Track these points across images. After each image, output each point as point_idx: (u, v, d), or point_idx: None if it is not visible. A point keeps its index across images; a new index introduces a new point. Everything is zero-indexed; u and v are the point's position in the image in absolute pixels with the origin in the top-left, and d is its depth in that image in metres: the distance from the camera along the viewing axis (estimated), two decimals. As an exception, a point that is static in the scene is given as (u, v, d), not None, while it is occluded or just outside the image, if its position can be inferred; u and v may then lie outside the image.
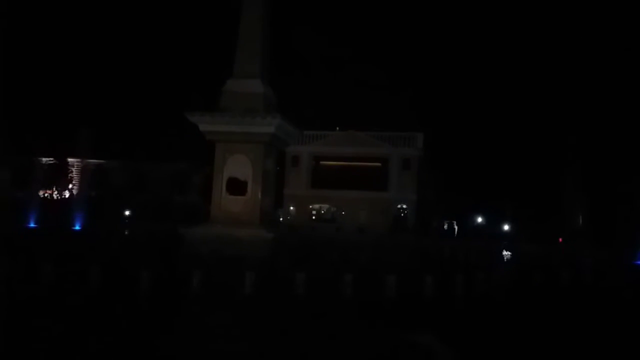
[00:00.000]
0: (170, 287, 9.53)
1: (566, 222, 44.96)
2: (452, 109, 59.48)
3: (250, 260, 11.96)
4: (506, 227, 48.59)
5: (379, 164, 52.36)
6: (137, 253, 14.61)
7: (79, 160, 57.82)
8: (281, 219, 48.04)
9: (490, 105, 58.11)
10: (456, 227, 51.08)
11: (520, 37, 66.83)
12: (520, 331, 7.75)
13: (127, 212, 45.97)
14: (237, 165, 14.81)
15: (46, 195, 50.90)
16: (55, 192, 53.26)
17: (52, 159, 55.86)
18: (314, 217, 52.61)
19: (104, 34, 72.62)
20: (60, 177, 54.42)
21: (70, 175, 56.88)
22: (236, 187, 14.73)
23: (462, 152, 52.98)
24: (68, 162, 57.07)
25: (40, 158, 55.31)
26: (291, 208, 52.58)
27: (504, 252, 22.22)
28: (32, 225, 23.87)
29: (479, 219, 53.22)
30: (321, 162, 53.68)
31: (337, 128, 53.45)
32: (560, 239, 38.73)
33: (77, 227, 23.53)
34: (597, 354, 6.77)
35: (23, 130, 54.45)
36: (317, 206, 53.61)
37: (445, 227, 51.37)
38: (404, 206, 51.28)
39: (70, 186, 54.77)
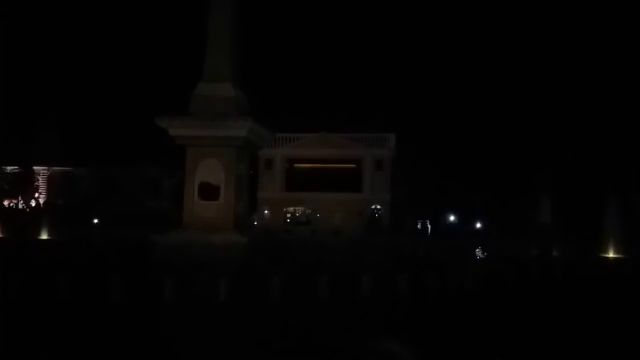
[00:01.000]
0: (142, 296, 9.34)
1: (537, 218, 46.13)
2: (423, 108, 60.27)
3: (225, 265, 11.83)
4: (478, 225, 49.53)
5: (352, 165, 52.69)
6: (107, 261, 14.27)
7: (45, 168, 56.23)
8: (255, 222, 47.76)
9: (461, 103, 59.14)
10: (429, 226, 51.80)
11: (490, 33, 68.15)
12: (491, 325, 7.89)
13: (96, 220, 44.90)
14: (209, 169, 14.65)
15: (11, 204, 49.30)
16: (21, 202, 51.61)
17: (16, 167, 54.12)
18: (288, 220, 52.52)
19: (71, 36, 70.80)
20: (25, 186, 52.77)
21: (36, 183, 55.22)
22: (208, 192, 14.57)
23: (433, 151, 53.77)
24: (34, 170, 55.39)
25: (4, 166, 53.58)
26: (265, 211, 52.36)
27: (477, 250, 22.63)
28: (-4, 235, 23.05)
29: (452, 218, 54.08)
30: (295, 165, 53.66)
31: (310, 130, 53.55)
32: (531, 237, 39.65)
33: (44, 237, 22.84)
34: (568, 345, 6.95)
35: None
36: (291, 209, 53.55)
37: (419, 226, 52.02)
38: (378, 207, 51.72)
39: (36, 195, 53.15)
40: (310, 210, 52.84)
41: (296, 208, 53.68)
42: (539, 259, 18.84)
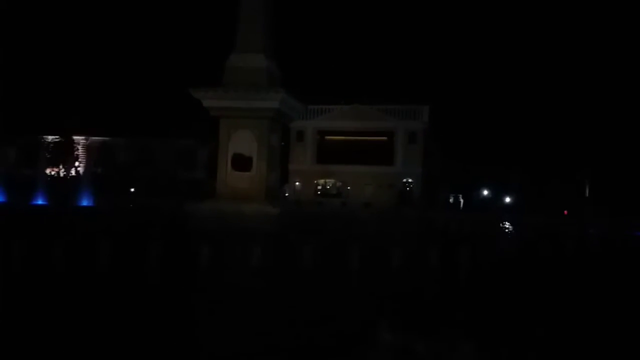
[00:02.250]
0: (177, 262, 9.66)
1: (573, 193, 44.87)
2: (458, 81, 58.75)
3: (257, 235, 12.07)
4: (512, 200, 48.59)
5: (384, 138, 52.10)
6: (144, 229, 14.76)
7: (84, 137, 57.96)
8: (287, 194, 48.23)
9: (497, 77, 57.30)
10: (462, 200, 51.13)
11: (528, 14, 65.29)
12: (521, 300, 7.83)
13: (132, 189, 46.27)
14: (242, 141, 14.79)
15: (53, 173, 51.25)
16: (62, 170, 53.57)
17: (57, 137, 56.00)
18: (319, 192, 52.75)
19: (109, 9, 71.65)
20: (66, 155, 54.64)
21: (76, 153, 57.08)
22: (241, 163, 14.76)
23: (468, 125, 52.66)
24: (74, 140, 57.21)
25: (45, 136, 55.50)
26: (297, 183, 52.71)
27: (508, 225, 22.28)
28: (40, 202, 24.11)
29: (485, 192, 53.17)
30: (326, 137, 53.47)
31: (342, 102, 53.02)
32: (566, 212, 38.74)
33: (85, 204, 23.74)
34: (599, 323, 6.85)
35: (28, 109, 54.51)
36: (322, 181, 53.69)
37: (451, 200, 51.43)
38: (410, 180, 51.24)
39: (76, 164, 55.02)
40: (340, 183, 52.86)
41: (327, 180, 53.78)
42: (574, 234, 18.43)
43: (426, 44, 75.37)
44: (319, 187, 53.71)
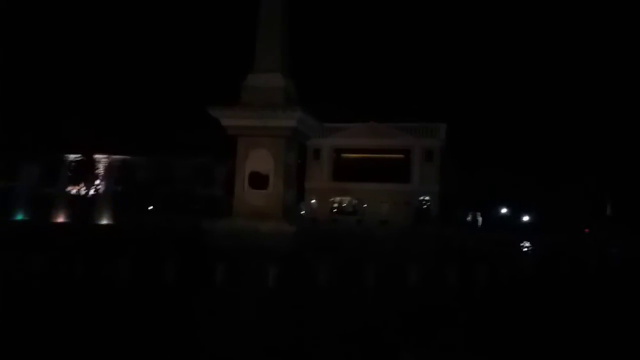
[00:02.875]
0: (194, 280, 9.72)
1: (593, 211, 44.00)
2: (475, 98, 58.58)
3: (273, 253, 12.09)
4: (531, 218, 47.80)
5: (401, 156, 52.02)
6: (162, 246, 14.90)
7: (105, 156, 59.15)
8: (303, 212, 48.27)
9: (514, 94, 57.01)
10: (480, 219, 50.53)
11: (545, 31, 65.21)
12: (540, 322, 7.66)
13: (151, 207, 46.84)
14: (259, 159, 14.92)
15: (74, 191, 52.23)
16: (83, 188, 54.58)
17: (79, 155, 57.24)
18: (335, 210, 52.68)
19: (128, 30, 73.62)
20: (87, 174, 55.74)
21: (97, 171, 58.21)
22: (258, 181, 14.86)
23: (485, 142, 52.32)
24: (95, 159, 58.40)
25: (67, 155, 56.77)
26: (313, 201, 52.76)
27: (527, 244, 21.90)
28: (62, 220, 24.55)
29: (504, 210, 52.48)
30: (342, 155, 53.62)
31: (359, 120, 53.26)
32: (587, 230, 37.97)
33: (105, 222, 24.10)
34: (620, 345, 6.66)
35: (51, 128, 55.92)
36: (338, 199, 53.67)
37: (469, 218, 50.87)
38: (427, 198, 50.91)
39: (97, 182, 56.04)
40: (357, 201, 52.74)
41: (343, 198, 53.75)
42: (596, 253, 18.02)
43: (443, 61, 75.56)
44: (335, 205, 53.66)
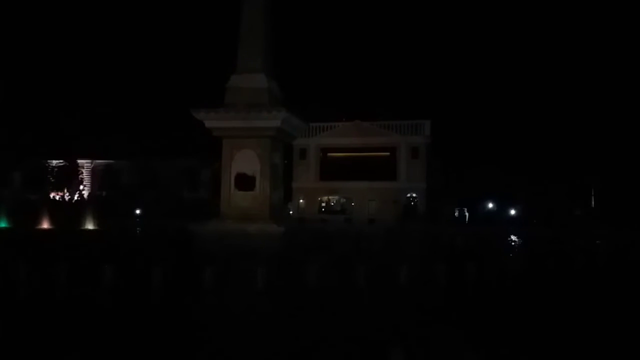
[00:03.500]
0: (183, 283, 9.60)
1: (578, 205, 44.59)
2: (459, 93, 59.00)
3: (262, 254, 12.00)
4: (517, 212, 48.30)
5: (387, 154, 52.15)
6: (149, 250, 14.72)
7: (88, 161, 58.33)
8: (291, 212, 48.13)
9: (497, 87, 57.51)
10: (467, 214, 50.89)
11: (529, 27, 65.88)
12: (531, 317, 7.71)
13: (138, 210, 46.31)
14: (245, 160, 14.82)
15: (57, 197, 51.44)
16: (67, 194, 53.74)
17: (62, 161, 56.35)
18: (323, 209, 52.65)
19: (107, 32, 72.71)
20: (70, 179, 54.90)
21: (80, 176, 57.36)
22: (245, 182, 14.76)
23: (470, 138, 52.67)
24: (78, 164, 57.53)
25: (50, 160, 55.88)
26: (300, 201, 52.65)
27: (514, 238, 22.10)
28: (45, 226, 24.13)
29: (490, 205, 52.93)
30: (329, 154, 53.59)
31: (344, 119, 53.26)
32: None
33: (89, 227, 23.75)
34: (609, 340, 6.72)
35: (32, 133, 54.98)
36: (326, 198, 53.62)
37: (456, 214, 51.19)
38: (414, 195, 51.11)
39: (81, 187, 55.24)
40: (344, 199, 52.77)
41: (331, 197, 53.71)
42: (581, 246, 18.25)
43: (424, 57, 76.00)
44: (323, 204, 53.61)
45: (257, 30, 15.29)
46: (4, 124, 52.65)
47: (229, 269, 10.16)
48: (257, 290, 9.17)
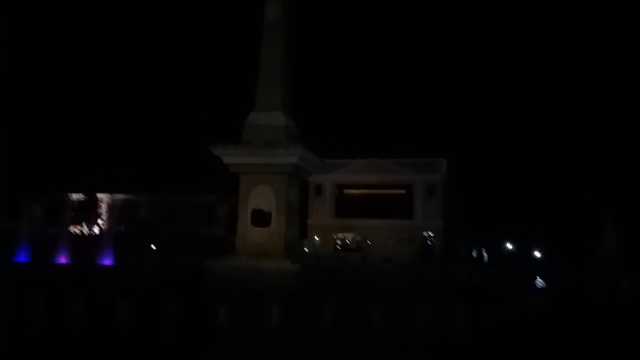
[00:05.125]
0: (196, 322, 9.47)
1: (601, 246, 43.46)
2: (475, 132, 59.02)
3: (277, 292, 11.84)
4: (538, 253, 47.20)
5: (403, 191, 51.96)
6: (164, 286, 14.64)
7: (107, 195, 59.24)
8: (306, 249, 47.80)
9: (515, 127, 57.43)
10: (485, 254, 49.91)
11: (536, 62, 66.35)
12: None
13: (153, 246, 46.46)
14: (261, 196, 14.86)
15: (76, 231, 52.06)
16: (85, 228, 54.39)
17: (81, 195, 57.32)
18: (339, 247, 52.19)
19: (128, 67, 75.18)
20: (89, 213, 55.65)
21: (99, 210, 58.14)
22: (260, 218, 14.75)
23: (487, 176, 52.33)
24: (97, 198, 58.44)
25: (70, 194, 56.89)
26: (316, 238, 52.34)
27: (537, 280, 21.49)
28: (63, 261, 24.28)
29: (509, 245, 51.90)
30: (345, 191, 53.58)
31: (359, 156, 53.51)
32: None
33: (107, 263, 23.81)
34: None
35: (53, 168, 56.31)
36: (341, 235, 53.25)
37: (474, 254, 50.25)
38: (431, 233, 50.51)
39: (99, 221, 55.90)
40: (360, 237, 52.32)
41: (346, 234, 53.34)
42: (605, 289, 17.64)
43: (439, 95, 76.63)
44: (339, 242, 53.20)
45: (275, 70, 15.64)
46: (24, 156, 54.06)
47: (243, 307, 10.02)
48: (271, 330, 9.00)
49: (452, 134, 59.60)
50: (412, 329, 9.30)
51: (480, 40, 73.52)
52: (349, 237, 53.27)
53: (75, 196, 57.40)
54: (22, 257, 24.27)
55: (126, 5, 76.36)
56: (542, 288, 19.92)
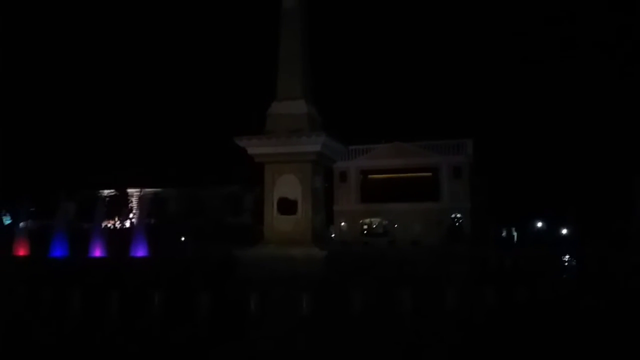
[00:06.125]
0: (228, 310, 9.67)
1: (631, 223, 42.25)
2: (502, 110, 57.78)
3: (305, 279, 11.97)
4: (569, 232, 46.23)
5: (429, 174, 51.42)
6: (194, 276, 14.97)
7: (138, 190, 60.63)
8: (332, 235, 48.01)
9: (543, 103, 55.99)
10: (515, 234, 49.17)
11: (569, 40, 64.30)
12: (594, 344, 7.26)
13: (183, 237, 47.40)
14: (287, 185, 14.98)
15: (109, 225, 53.49)
16: (118, 222, 55.84)
17: (112, 190, 58.82)
18: (365, 232, 52.20)
19: (154, 62, 76.12)
20: (121, 207, 57.10)
21: (130, 205, 59.59)
22: (287, 206, 14.88)
23: (515, 155, 51.30)
24: (128, 193, 59.86)
25: (101, 190, 58.43)
26: (342, 224, 52.46)
27: (568, 258, 21.08)
28: (97, 255, 25.03)
29: (539, 224, 50.95)
30: (369, 176, 53.37)
31: (383, 140, 53.12)
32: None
33: (139, 255, 24.45)
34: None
35: (84, 165, 57.84)
36: (368, 220, 53.23)
37: (504, 234, 49.55)
38: (458, 215, 49.98)
39: (130, 215, 57.31)
40: (387, 221, 52.19)
41: (372, 219, 53.28)
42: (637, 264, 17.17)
43: (462, 77, 75.11)
44: (365, 227, 53.20)
45: (296, 58, 15.61)
46: (58, 153, 55.62)
47: (272, 294, 10.17)
48: (302, 316, 9.11)
49: (477, 114, 58.50)
50: (442, 313, 9.28)
51: (509, 18, 71.55)
52: (375, 222, 53.20)
53: (106, 192, 58.93)
54: (58, 252, 25.13)
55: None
56: (573, 266, 19.55)
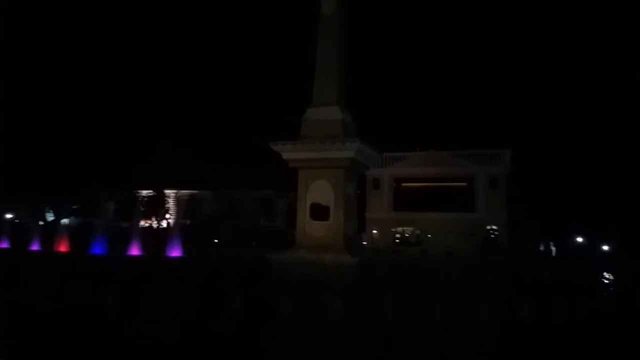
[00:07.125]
0: (258, 313, 9.78)
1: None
2: (542, 121, 56.28)
3: (336, 285, 11.98)
4: (610, 247, 44.41)
5: (464, 184, 50.44)
6: (228, 277, 15.20)
7: (174, 191, 62.12)
8: (364, 242, 47.72)
9: (584, 116, 54.26)
10: (553, 248, 47.58)
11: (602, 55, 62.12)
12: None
13: (216, 240, 48.20)
14: (320, 190, 15.04)
15: (146, 225, 54.96)
16: (154, 222, 57.30)
17: (150, 191, 60.47)
18: (397, 241, 51.62)
19: (194, 68, 77.97)
20: (158, 208, 58.60)
21: (167, 205, 61.07)
22: (319, 212, 14.94)
23: (554, 167, 49.73)
24: (165, 194, 61.40)
25: (140, 191, 60.16)
26: (374, 231, 52.08)
27: (608, 274, 20.28)
28: (135, 253, 25.76)
29: (579, 239, 49.14)
30: (403, 184, 52.82)
31: (418, 148, 52.53)
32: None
33: (175, 255, 25.01)
34: None
35: (125, 166, 59.70)
36: (400, 229, 52.61)
37: (542, 248, 48.01)
38: (494, 227, 48.78)
39: (167, 216, 58.72)
40: (419, 231, 51.44)
41: (405, 228, 52.61)
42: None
43: (501, 87, 73.63)
44: (397, 236, 52.60)
45: (331, 64, 15.72)
46: (101, 153, 57.61)
47: (303, 299, 10.22)
48: (333, 323, 9.12)
49: (516, 125, 57.20)
50: (475, 326, 9.11)
51: (550, 27, 69.79)
52: (408, 231, 52.55)
53: (144, 192, 60.62)
54: (97, 250, 25.99)
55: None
56: (611, 282, 18.79)
